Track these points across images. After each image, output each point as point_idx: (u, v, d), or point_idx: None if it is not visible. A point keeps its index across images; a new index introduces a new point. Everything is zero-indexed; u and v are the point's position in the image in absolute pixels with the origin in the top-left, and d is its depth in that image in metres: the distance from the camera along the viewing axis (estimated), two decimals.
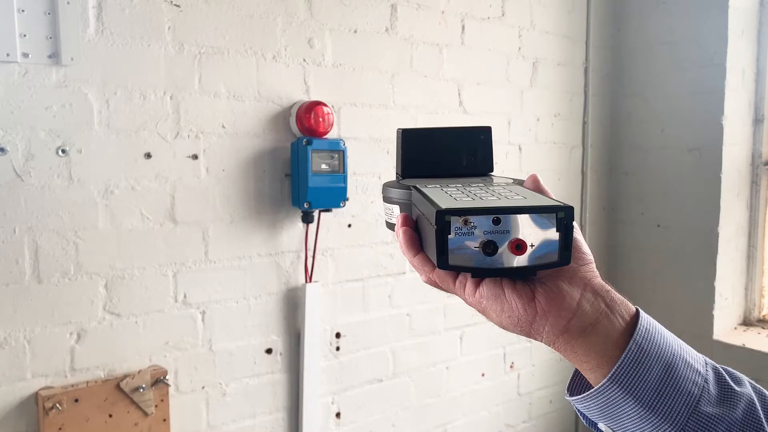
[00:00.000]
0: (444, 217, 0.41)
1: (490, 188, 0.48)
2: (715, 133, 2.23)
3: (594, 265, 0.49)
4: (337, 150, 1.70)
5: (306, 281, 1.77)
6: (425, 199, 0.45)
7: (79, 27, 1.39)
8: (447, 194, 0.46)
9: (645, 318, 0.48)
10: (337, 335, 1.88)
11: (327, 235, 1.82)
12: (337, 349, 1.88)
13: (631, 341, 0.46)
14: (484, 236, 0.41)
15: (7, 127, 1.34)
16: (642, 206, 2.48)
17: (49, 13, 1.35)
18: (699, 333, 2.31)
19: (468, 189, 0.48)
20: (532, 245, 0.41)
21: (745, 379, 0.50)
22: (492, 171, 0.58)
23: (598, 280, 0.48)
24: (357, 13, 1.82)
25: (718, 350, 2.25)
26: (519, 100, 2.25)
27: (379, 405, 2.00)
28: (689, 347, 0.49)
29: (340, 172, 1.70)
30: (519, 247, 0.41)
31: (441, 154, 0.57)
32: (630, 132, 2.51)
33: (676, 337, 0.49)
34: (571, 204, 0.43)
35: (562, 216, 0.42)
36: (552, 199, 0.46)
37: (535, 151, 2.32)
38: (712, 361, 0.50)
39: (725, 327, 2.33)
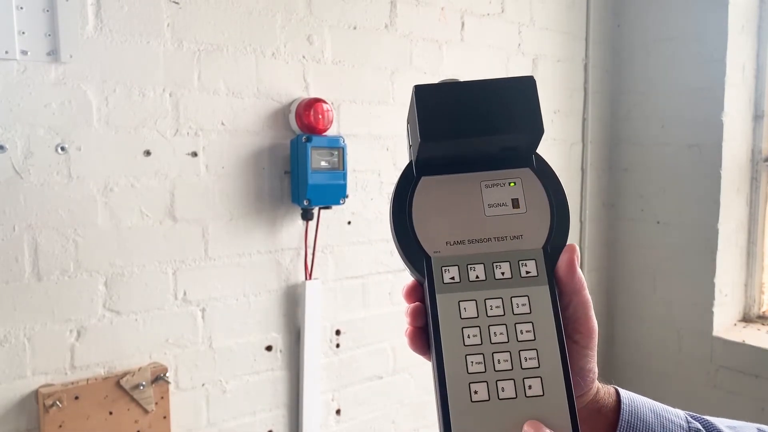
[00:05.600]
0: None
1: (511, 319, 0.44)
2: (715, 129, 2.23)
3: (595, 341, 0.48)
4: (337, 147, 1.69)
5: (306, 278, 1.77)
6: (435, 328, 0.45)
7: (77, 24, 1.39)
8: (459, 339, 0.45)
9: (625, 410, 0.50)
10: (337, 332, 1.88)
11: (327, 232, 1.82)
12: (337, 346, 1.88)
13: None
14: None
15: (6, 125, 1.34)
16: (642, 203, 2.48)
17: (47, 10, 1.35)
18: (699, 329, 2.31)
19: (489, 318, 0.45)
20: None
21: (724, 428, 0.52)
22: (542, 133, 0.46)
23: (592, 374, 0.48)
24: (356, 10, 1.82)
25: (718, 347, 2.25)
26: None
27: (379, 401, 2.00)
28: (669, 413, 0.51)
29: (339, 170, 1.70)
30: None
31: (469, 122, 0.44)
32: (630, 128, 2.50)
33: (654, 405, 0.51)
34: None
35: None
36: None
37: None
38: (696, 423, 0.51)
39: (725, 323, 2.33)
